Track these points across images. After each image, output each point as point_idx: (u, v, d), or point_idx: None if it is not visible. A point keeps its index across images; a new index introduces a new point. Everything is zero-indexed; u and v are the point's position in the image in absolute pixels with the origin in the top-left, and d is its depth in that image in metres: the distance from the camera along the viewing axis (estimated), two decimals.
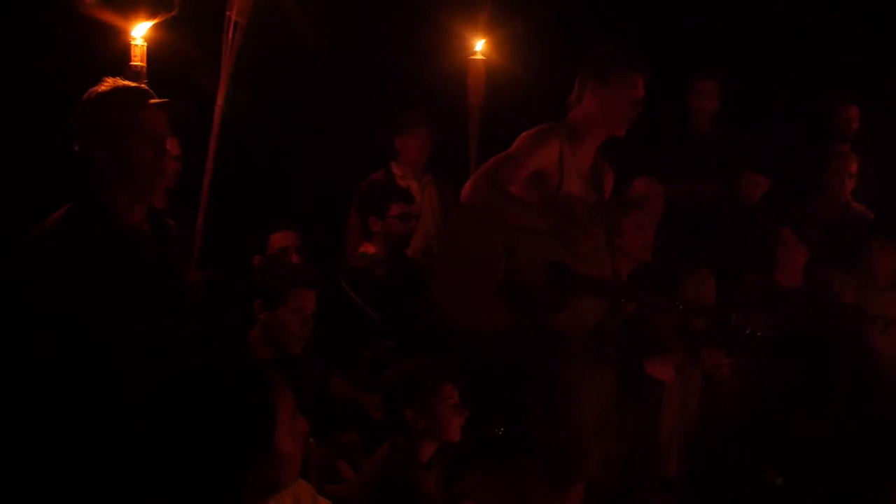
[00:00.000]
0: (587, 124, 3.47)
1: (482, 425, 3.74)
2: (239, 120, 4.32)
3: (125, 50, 3.55)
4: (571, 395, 3.42)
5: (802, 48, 5.80)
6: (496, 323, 3.37)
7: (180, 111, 2.62)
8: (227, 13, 3.63)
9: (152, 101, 2.53)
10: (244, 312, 3.44)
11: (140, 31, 3.56)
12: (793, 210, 5.10)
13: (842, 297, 4.84)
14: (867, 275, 4.89)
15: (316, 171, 5.22)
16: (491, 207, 3.34)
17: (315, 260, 4.36)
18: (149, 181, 2.52)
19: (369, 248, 4.40)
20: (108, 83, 2.53)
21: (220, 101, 3.73)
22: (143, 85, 2.62)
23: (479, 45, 4.90)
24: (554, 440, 3.42)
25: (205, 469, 1.92)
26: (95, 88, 2.52)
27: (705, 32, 5.71)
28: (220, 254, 3.96)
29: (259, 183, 4.99)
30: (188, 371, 2.03)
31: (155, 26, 3.56)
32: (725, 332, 3.60)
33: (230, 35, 3.66)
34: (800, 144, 5.59)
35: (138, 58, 3.56)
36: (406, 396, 3.07)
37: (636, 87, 3.44)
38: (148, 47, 3.56)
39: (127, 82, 2.56)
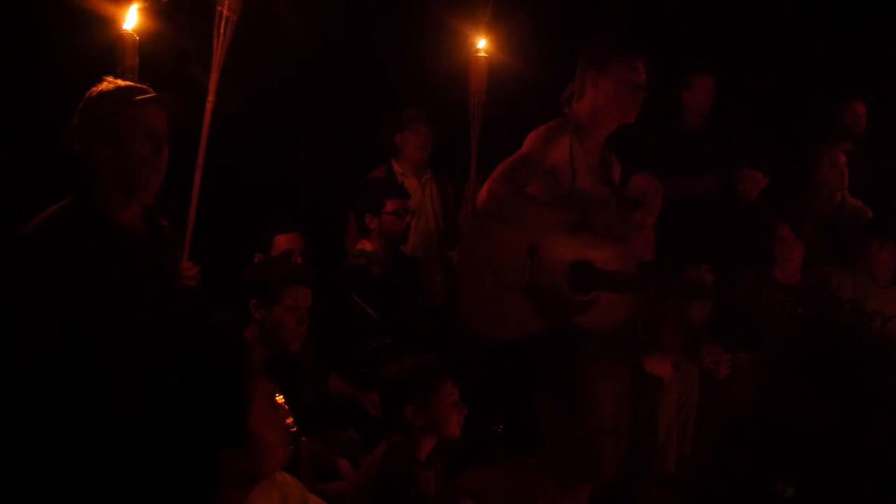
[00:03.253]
0: (594, 117, 3.43)
1: (481, 423, 3.75)
2: (237, 117, 4.32)
3: (114, 44, 3.55)
4: (590, 395, 3.38)
5: (799, 44, 5.77)
6: (526, 329, 3.31)
7: (174, 109, 2.63)
8: (218, 8, 3.64)
9: (148, 96, 2.56)
10: (240, 312, 3.45)
11: (130, 23, 3.56)
12: (790, 206, 5.10)
13: (840, 293, 4.86)
14: (865, 272, 4.90)
15: (316, 169, 5.22)
16: (511, 211, 3.27)
17: (316, 260, 4.36)
18: (145, 178, 2.55)
19: (366, 246, 4.40)
20: (109, 82, 2.57)
21: (211, 97, 3.74)
22: (143, 85, 2.63)
23: (482, 43, 4.90)
24: (569, 439, 3.39)
25: (177, 453, 1.95)
26: (96, 87, 2.56)
27: (697, 27, 5.67)
28: (216, 252, 3.96)
29: (258, 181, 5.00)
30: (161, 361, 2.08)
31: (146, 18, 3.55)
32: (756, 314, 3.50)
33: (221, 30, 3.67)
34: (796, 141, 5.57)
35: (131, 53, 3.56)
36: (406, 393, 3.07)
37: (637, 71, 3.39)
38: (140, 41, 3.57)
39: (127, 82, 2.60)
